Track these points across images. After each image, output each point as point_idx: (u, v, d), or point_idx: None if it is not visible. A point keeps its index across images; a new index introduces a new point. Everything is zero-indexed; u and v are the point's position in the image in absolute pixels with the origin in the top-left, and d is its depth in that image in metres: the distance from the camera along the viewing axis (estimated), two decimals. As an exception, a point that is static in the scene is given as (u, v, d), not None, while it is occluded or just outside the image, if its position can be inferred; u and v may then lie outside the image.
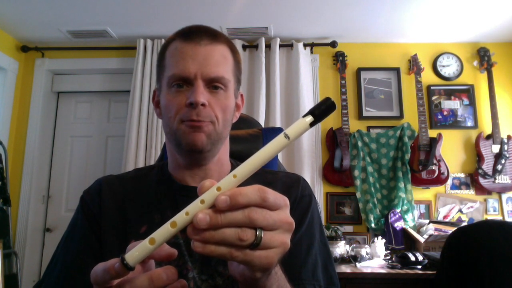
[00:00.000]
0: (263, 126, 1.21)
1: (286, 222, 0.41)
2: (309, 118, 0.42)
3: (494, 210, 2.68)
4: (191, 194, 0.75)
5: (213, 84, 0.70)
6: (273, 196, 0.40)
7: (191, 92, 0.68)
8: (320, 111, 0.43)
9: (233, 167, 0.81)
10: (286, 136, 0.41)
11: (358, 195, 2.68)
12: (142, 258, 0.39)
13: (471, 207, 2.67)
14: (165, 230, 0.39)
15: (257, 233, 0.38)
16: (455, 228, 1.68)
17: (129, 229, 0.70)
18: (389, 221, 2.49)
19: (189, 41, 0.70)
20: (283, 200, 0.41)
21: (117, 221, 0.71)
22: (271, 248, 0.40)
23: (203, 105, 0.67)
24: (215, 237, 0.37)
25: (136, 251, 0.39)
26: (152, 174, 0.80)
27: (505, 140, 2.66)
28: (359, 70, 2.90)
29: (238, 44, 2.84)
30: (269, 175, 0.79)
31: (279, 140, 0.41)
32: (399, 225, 2.49)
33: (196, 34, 0.71)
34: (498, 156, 2.64)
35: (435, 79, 2.89)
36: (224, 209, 0.38)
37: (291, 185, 0.76)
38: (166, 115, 0.71)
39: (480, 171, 2.65)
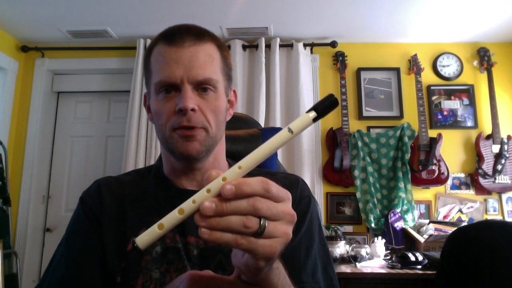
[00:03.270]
0: (263, 126, 1.21)
1: (288, 213, 0.42)
2: (312, 114, 0.44)
3: (494, 210, 2.68)
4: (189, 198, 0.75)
5: (202, 86, 0.68)
6: (276, 188, 0.41)
7: (179, 98, 0.66)
8: (323, 107, 0.44)
9: (230, 166, 0.80)
10: (290, 130, 0.43)
11: (358, 195, 2.68)
12: (151, 242, 0.42)
13: (471, 207, 2.67)
14: (173, 216, 0.41)
15: (261, 221, 0.40)
16: (455, 228, 1.68)
17: (128, 231, 0.70)
18: (389, 221, 2.49)
19: (172, 44, 0.68)
20: (285, 193, 0.43)
21: (116, 223, 0.71)
22: (275, 237, 0.41)
23: (193, 110, 0.66)
24: (220, 224, 0.39)
25: (146, 235, 0.42)
26: (149, 176, 0.79)
27: (505, 140, 2.66)
28: (359, 70, 2.90)
29: (238, 44, 2.84)
30: (268, 176, 0.78)
31: (283, 134, 0.43)
32: (399, 225, 2.49)
33: (178, 35, 0.68)
34: (498, 156, 2.64)
35: (435, 79, 2.89)
36: (230, 197, 0.39)
37: (290, 186, 0.75)
38: (157, 122, 0.70)
39: (480, 171, 2.65)
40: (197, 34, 0.70)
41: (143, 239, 0.41)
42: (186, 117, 0.66)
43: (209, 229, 0.39)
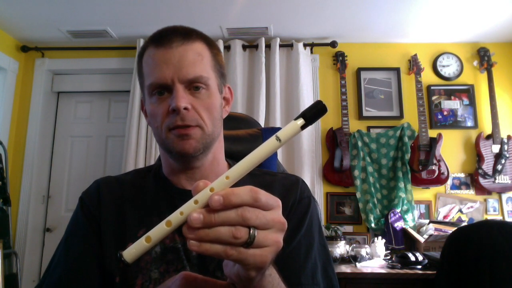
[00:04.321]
0: (263, 126, 1.21)
1: (278, 221, 0.42)
2: (300, 121, 0.43)
3: (494, 210, 2.68)
4: (189, 198, 0.75)
5: (193, 85, 0.68)
6: (265, 196, 0.41)
7: (172, 98, 0.66)
8: (311, 114, 0.44)
9: (230, 167, 0.80)
10: (278, 138, 0.42)
11: (358, 195, 2.67)
12: (139, 255, 0.41)
13: (471, 207, 2.67)
14: (160, 229, 0.41)
15: (251, 231, 0.39)
16: (455, 228, 1.68)
17: (127, 231, 0.70)
18: (389, 221, 2.49)
19: (160, 46, 0.68)
20: (275, 201, 0.42)
21: (115, 223, 0.71)
22: (265, 246, 0.40)
23: (186, 108, 0.66)
24: (209, 235, 0.38)
25: (133, 248, 0.41)
26: (149, 176, 0.79)
27: (505, 140, 2.66)
28: (359, 70, 2.90)
29: (238, 44, 2.84)
30: (268, 176, 0.78)
31: (270, 142, 0.43)
32: (399, 225, 2.49)
33: (166, 37, 0.69)
34: (498, 156, 2.64)
35: (435, 79, 2.89)
36: (218, 208, 0.39)
37: (290, 187, 0.76)
38: (153, 125, 0.71)
39: (480, 171, 2.65)
40: (185, 34, 0.70)
41: (131, 252, 0.41)
42: (179, 116, 0.66)
43: (197, 241, 0.38)
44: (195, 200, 0.40)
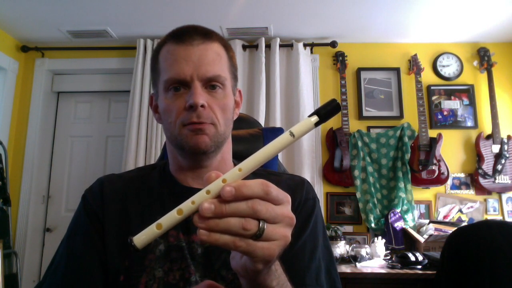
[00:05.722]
0: (263, 126, 1.21)
1: (287, 216, 0.42)
2: (314, 118, 0.44)
3: (494, 210, 2.68)
4: None
5: (211, 83, 0.69)
6: (276, 191, 0.41)
7: (189, 94, 0.67)
8: (326, 111, 0.44)
9: None
10: (291, 134, 0.43)
11: (358, 195, 2.68)
12: (149, 241, 0.42)
13: (471, 207, 2.67)
14: (171, 217, 0.41)
15: (260, 224, 0.40)
16: (455, 228, 1.68)
17: (131, 229, 0.69)
18: (389, 221, 2.49)
19: (181, 42, 0.69)
20: (285, 196, 0.43)
21: (119, 221, 0.71)
22: (273, 240, 0.41)
23: (202, 106, 0.66)
24: (219, 225, 0.39)
25: (143, 235, 0.42)
26: (154, 174, 0.79)
27: (505, 140, 2.66)
28: (359, 70, 2.90)
29: (238, 44, 2.84)
30: (273, 176, 0.78)
31: (284, 137, 0.43)
32: (399, 225, 2.49)
33: (187, 34, 0.70)
34: (498, 156, 2.64)
35: (435, 79, 2.89)
36: (229, 199, 0.39)
37: (296, 187, 0.76)
38: (166, 120, 0.71)
39: (480, 171, 2.65)
40: (205, 33, 0.71)
41: (141, 238, 0.41)
42: (196, 113, 0.66)
43: (207, 231, 0.39)
44: (207, 190, 0.41)
